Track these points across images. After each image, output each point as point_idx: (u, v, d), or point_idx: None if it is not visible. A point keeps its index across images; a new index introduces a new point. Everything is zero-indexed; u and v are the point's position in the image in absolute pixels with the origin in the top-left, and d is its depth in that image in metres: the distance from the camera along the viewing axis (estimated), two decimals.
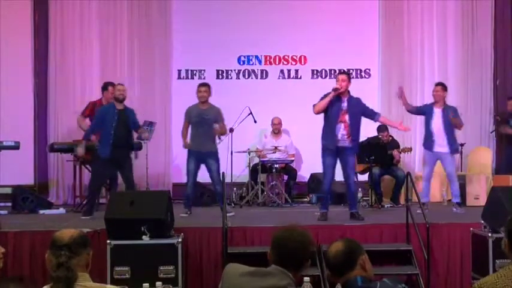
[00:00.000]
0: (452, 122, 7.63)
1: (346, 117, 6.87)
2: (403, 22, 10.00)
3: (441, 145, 7.67)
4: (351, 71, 10.09)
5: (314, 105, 6.96)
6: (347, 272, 2.60)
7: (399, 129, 7.49)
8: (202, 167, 7.66)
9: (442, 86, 7.84)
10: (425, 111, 7.92)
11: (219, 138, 8.00)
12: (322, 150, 6.97)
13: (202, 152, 7.51)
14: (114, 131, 7.24)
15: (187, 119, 7.68)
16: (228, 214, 6.92)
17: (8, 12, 9.60)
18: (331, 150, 6.89)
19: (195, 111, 7.62)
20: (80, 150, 7.63)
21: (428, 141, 7.79)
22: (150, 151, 9.19)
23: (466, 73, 9.96)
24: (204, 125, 7.55)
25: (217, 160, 7.63)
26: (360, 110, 6.97)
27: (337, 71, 10.01)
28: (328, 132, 6.92)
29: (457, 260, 6.39)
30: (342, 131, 6.88)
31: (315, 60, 10.06)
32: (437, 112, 7.73)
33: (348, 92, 6.95)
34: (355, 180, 7.11)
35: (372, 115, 7.09)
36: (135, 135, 7.90)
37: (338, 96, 6.86)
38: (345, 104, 6.89)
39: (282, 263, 2.70)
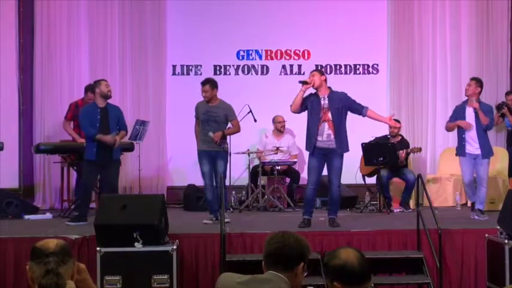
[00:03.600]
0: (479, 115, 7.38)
1: (329, 115, 6.83)
2: (413, 14, 9.98)
3: (474, 147, 7.49)
4: (358, 66, 10.11)
5: (291, 105, 7.02)
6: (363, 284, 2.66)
7: (388, 124, 7.35)
8: None
9: (475, 81, 7.58)
10: (456, 116, 7.65)
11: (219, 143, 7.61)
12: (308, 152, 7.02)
13: (213, 152, 7.38)
14: (97, 132, 7.26)
15: (197, 116, 7.53)
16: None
17: None
18: (315, 151, 6.88)
19: (203, 107, 7.47)
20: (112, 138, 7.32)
21: (460, 146, 7.57)
22: (143, 152, 9.19)
23: (481, 70, 9.93)
24: (212, 123, 7.39)
25: (225, 161, 7.51)
26: (344, 105, 6.88)
27: (343, 66, 10.10)
28: (309, 133, 6.93)
29: (471, 269, 6.40)
30: (327, 131, 6.84)
31: (319, 55, 10.05)
32: (470, 112, 7.51)
33: (329, 88, 6.93)
34: (340, 185, 6.99)
35: (359, 109, 6.95)
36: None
37: (316, 94, 6.89)
38: (325, 101, 6.86)
39: (276, 266, 2.79)
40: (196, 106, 7.58)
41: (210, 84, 7.42)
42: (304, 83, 6.91)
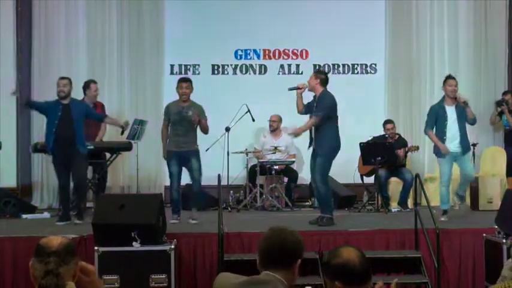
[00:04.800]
0: (467, 113, 7.28)
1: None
2: (411, 13, 9.98)
3: (455, 145, 7.38)
4: (356, 66, 10.12)
5: None
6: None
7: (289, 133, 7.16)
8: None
9: (455, 80, 7.44)
10: (437, 117, 7.44)
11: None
12: None
13: (183, 152, 7.38)
14: (57, 128, 7.22)
15: (167, 117, 7.54)
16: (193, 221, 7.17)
17: None
18: (312, 152, 7.03)
19: (175, 108, 7.48)
20: None
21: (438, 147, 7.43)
22: (141, 152, 9.17)
23: (478, 69, 9.95)
24: (185, 123, 7.40)
25: (198, 160, 7.47)
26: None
27: (341, 66, 10.10)
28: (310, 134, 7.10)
29: (469, 268, 6.41)
30: (313, 133, 7.01)
31: (317, 55, 10.05)
32: (451, 110, 7.38)
33: (323, 90, 6.95)
34: (324, 181, 6.93)
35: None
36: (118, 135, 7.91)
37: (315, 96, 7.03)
38: (314, 104, 7.00)
39: (275, 265, 2.77)
40: (167, 106, 7.64)
41: (191, 82, 7.52)
42: (294, 89, 7.08)
